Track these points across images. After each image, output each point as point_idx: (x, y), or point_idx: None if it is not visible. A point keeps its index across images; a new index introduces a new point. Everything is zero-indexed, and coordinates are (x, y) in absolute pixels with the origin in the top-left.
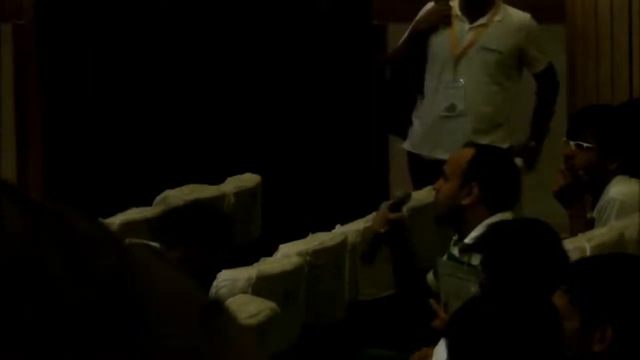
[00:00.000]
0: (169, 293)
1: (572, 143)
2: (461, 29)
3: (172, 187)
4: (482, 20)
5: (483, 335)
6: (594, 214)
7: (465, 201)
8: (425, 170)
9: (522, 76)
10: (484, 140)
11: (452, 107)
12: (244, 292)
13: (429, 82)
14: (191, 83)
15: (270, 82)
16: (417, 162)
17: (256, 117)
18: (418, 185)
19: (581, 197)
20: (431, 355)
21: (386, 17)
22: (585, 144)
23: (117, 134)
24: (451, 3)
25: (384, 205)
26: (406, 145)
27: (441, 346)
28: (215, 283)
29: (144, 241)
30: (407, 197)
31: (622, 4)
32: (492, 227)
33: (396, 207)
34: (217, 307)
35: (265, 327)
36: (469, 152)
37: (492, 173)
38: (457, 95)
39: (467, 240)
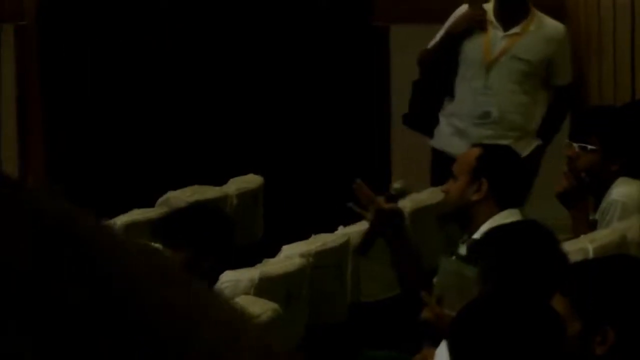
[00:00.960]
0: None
1: (575, 145)
2: (495, 36)
3: (175, 188)
4: (516, 29)
5: (484, 337)
6: (597, 215)
7: (474, 197)
8: (449, 167)
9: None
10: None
11: (486, 115)
12: (247, 293)
13: (460, 86)
14: (192, 84)
15: (272, 83)
16: (442, 159)
17: (258, 118)
18: (438, 183)
19: (584, 198)
20: (432, 356)
21: (388, 18)
22: (589, 146)
23: (119, 134)
24: (485, 6)
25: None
26: (432, 142)
27: (443, 348)
28: (218, 284)
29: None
30: (406, 189)
31: (624, 3)
32: (491, 230)
33: (393, 198)
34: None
35: (267, 328)
36: (477, 151)
37: (500, 168)
38: (488, 103)
39: (476, 235)
